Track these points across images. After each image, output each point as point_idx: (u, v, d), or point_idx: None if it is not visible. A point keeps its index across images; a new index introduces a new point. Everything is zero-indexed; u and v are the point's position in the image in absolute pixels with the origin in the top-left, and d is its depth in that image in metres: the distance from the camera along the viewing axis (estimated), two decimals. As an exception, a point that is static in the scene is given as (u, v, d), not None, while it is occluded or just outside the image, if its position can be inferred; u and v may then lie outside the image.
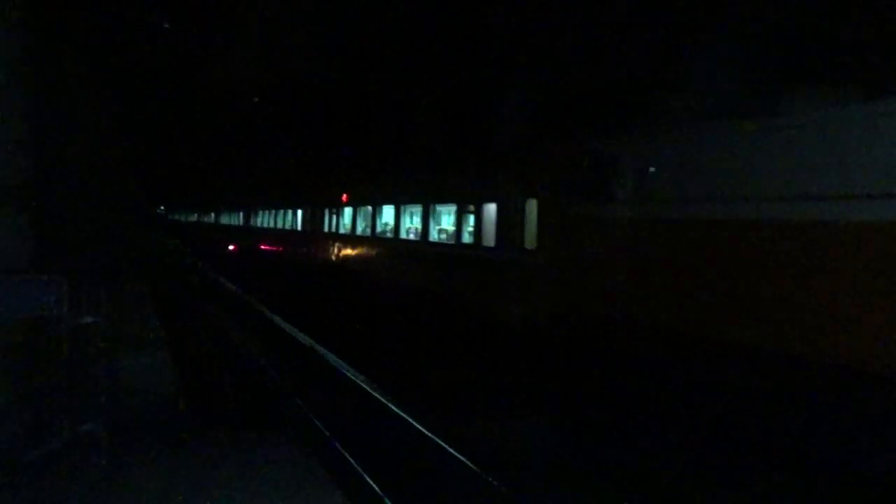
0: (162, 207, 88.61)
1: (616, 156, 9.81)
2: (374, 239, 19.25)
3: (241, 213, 41.35)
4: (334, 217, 22.72)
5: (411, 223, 17.65)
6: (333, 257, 22.64)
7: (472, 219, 14.02)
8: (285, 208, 30.31)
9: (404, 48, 20.15)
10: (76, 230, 7.09)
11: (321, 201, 24.26)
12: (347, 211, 21.55)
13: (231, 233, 44.00)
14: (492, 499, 6.45)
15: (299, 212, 27.57)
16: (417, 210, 16.96)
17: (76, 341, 5.77)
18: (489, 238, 13.12)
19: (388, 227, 18.56)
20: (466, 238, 14.20)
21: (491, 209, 13.13)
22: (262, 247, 34.79)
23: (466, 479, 6.97)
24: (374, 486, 6.65)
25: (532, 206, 11.72)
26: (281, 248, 30.83)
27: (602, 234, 9.91)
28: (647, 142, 9.64)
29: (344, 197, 21.77)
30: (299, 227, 27.44)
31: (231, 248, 42.06)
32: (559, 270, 10.75)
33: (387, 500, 6.44)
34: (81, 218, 7.24)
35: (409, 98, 23.23)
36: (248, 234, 38.40)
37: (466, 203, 14.21)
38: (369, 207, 19.72)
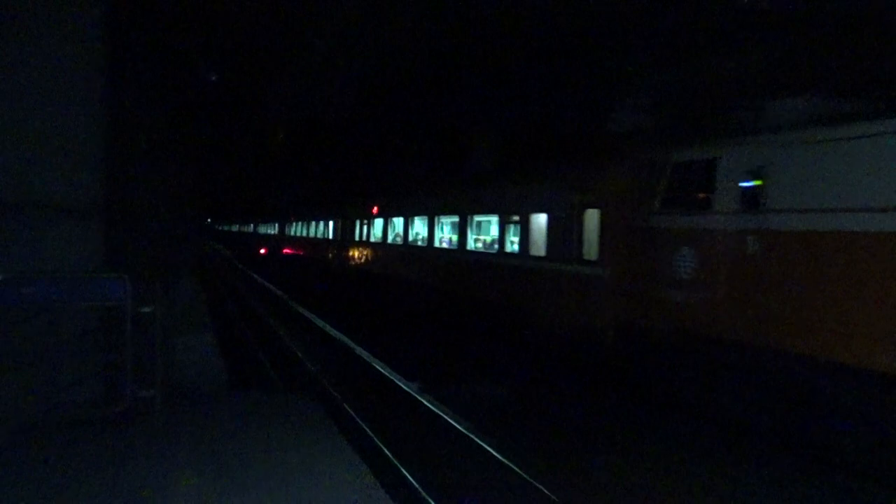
0: (209, 219, 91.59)
1: (715, 163, 8.41)
2: (405, 247, 19.10)
3: (277, 224, 42.34)
4: (365, 227, 23.23)
5: (445, 233, 17.42)
6: (363, 262, 23.24)
7: (514, 229, 13.38)
8: (317, 219, 31.21)
9: (436, 54, 18.67)
10: (140, 238, 8.01)
11: (352, 213, 24.84)
12: (378, 222, 21.94)
13: (267, 240, 45.16)
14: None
15: (331, 222, 28.42)
16: (453, 220, 16.57)
17: (138, 326, 6.63)
18: (538, 248, 12.36)
19: (420, 236, 18.57)
20: (509, 247, 13.63)
21: (540, 220, 12.43)
22: (295, 252, 35.67)
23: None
24: (375, 439, 7.41)
25: (591, 217, 10.84)
26: (314, 254, 31.62)
27: (694, 245, 8.54)
28: (768, 147, 7.80)
29: (374, 209, 22.22)
30: (330, 236, 28.29)
31: (262, 251, 43.65)
32: (630, 281, 9.68)
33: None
34: (145, 228, 8.15)
35: (446, 114, 22.09)
36: (282, 242, 39.31)
37: (510, 214, 13.51)
38: (400, 218, 19.79)
